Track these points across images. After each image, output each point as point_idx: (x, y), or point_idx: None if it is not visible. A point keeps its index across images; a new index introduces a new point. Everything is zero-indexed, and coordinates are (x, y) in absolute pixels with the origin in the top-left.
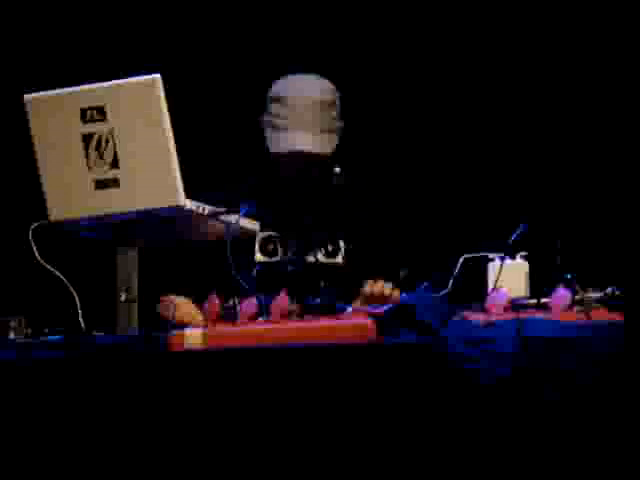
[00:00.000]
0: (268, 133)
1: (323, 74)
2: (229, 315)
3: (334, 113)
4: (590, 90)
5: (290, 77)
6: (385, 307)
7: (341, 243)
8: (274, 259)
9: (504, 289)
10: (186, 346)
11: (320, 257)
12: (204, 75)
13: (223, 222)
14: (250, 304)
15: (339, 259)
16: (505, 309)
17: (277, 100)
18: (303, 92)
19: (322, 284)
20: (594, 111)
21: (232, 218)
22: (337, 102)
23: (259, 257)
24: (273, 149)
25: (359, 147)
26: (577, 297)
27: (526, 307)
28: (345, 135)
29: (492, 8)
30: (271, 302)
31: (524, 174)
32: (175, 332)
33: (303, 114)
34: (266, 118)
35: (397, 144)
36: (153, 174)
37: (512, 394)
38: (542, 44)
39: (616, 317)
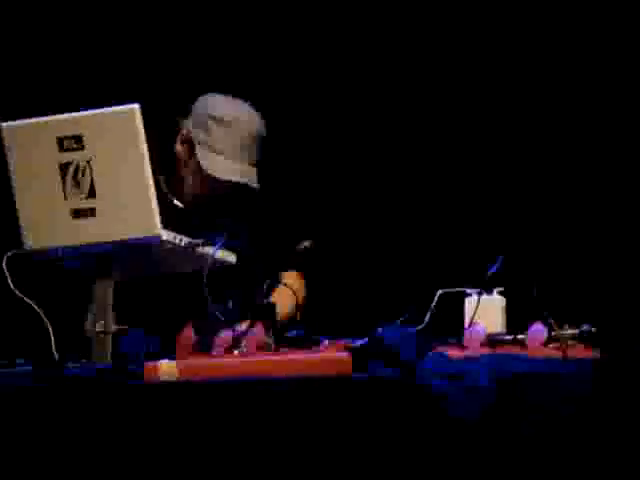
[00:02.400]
0: (201, 151)
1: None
2: (204, 347)
3: (261, 147)
4: (571, 126)
5: (230, 100)
6: (361, 341)
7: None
8: None
9: (481, 324)
10: (160, 378)
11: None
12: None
13: (199, 253)
14: (225, 336)
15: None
16: (482, 344)
17: (219, 121)
18: (246, 120)
19: (298, 317)
20: (570, 142)
21: (209, 250)
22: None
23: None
24: (207, 171)
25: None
26: (553, 333)
27: (502, 342)
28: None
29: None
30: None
31: (501, 208)
32: (148, 364)
33: (242, 142)
34: (201, 136)
35: (373, 173)
36: (130, 204)
37: (487, 429)
38: (526, 69)
39: (592, 354)
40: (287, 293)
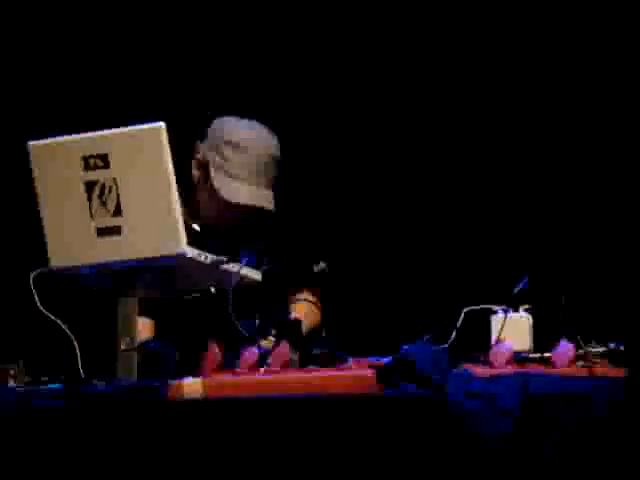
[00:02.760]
0: (217, 175)
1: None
2: (229, 364)
3: (277, 169)
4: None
5: (245, 123)
6: (386, 358)
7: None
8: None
9: (507, 342)
10: (185, 395)
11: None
12: None
13: (225, 271)
14: (250, 353)
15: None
16: (508, 362)
17: (235, 146)
18: (262, 144)
19: (323, 333)
20: (599, 158)
21: (234, 267)
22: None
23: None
24: (224, 195)
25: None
26: (580, 351)
27: (529, 360)
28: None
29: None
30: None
31: (528, 225)
32: (174, 382)
33: (257, 166)
34: (217, 160)
35: (397, 189)
36: (155, 222)
37: (511, 448)
38: (536, 82)
39: (618, 372)
40: (308, 309)
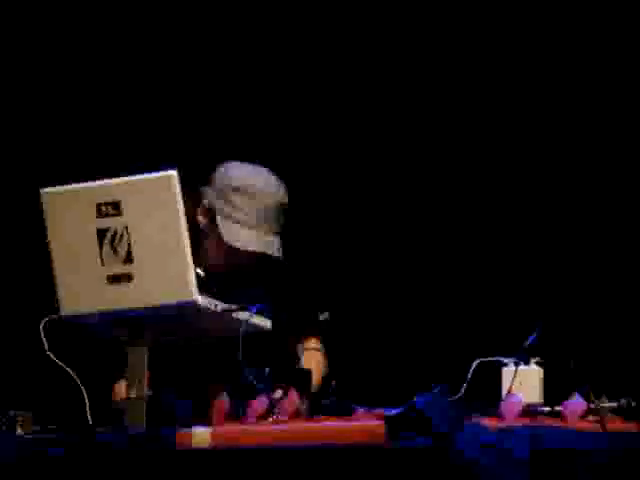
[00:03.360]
0: (224, 222)
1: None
2: (238, 413)
3: (284, 217)
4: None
5: (252, 169)
6: (397, 410)
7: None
8: None
9: (518, 394)
10: (194, 445)
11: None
12: None
13: (235, 319)
14: (260, 402)
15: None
16: (519, 415)
17: (243, 193)
18: (270, 190)
19: (332, 383)
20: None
21: (244, 315)
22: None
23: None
24: (230, 242)
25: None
26: (592, 406)
27: (540, 414)
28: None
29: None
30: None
31: (540, 278)
32: (183, 431)
33: (265, 212)
34: (224, 207)
35: (409, 239)
36: (167, 269)
37: None
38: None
39: (632, 428)
40: (318, 358)
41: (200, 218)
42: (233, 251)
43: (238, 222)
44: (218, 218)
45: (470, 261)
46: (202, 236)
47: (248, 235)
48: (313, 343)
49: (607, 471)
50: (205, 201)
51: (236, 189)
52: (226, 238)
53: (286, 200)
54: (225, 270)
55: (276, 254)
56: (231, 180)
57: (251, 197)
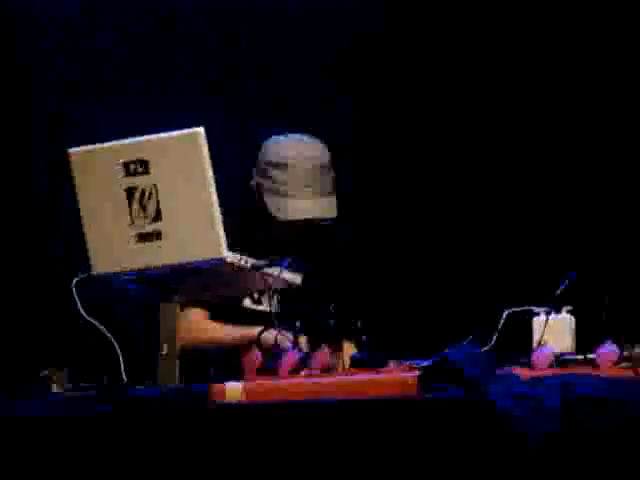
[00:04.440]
0: (268, 197)
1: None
2: (269, 368)
3: (332, 175)
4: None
5: (285, 141)
6: (429, 361)
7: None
8: (259, 307)
9: (549, 344)
10: (227, 399)
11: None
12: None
13: (265, 275)
14: (291, 356)
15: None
16: (550, 364)
17: (277, 166)
18: (304, 156)
19: (364, 339)
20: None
21: (274, 270)
22: (332, 161)
23: (247, 303)
24: (277, 215)
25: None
26: (625, 353)
27: (572, 362)
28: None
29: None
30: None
31: (571, 226)
32: (213, 386)
33: (305, 179)
34: (265, 183)
35: (441, 189)
36: (195, 227)
37: (552, 451)
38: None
39: None
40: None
41: (257, 198)
42: (285, 223)
43: (280, 194)
44: (264, 195)
45: (503, 210)
46: (262, 215)
47: (294, 205)
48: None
49: (634, 420)
50: (252, 182)
51: (272, 164)
52: (272, 212)
53: (326, 160)
54: (289, 244)
55: (330, 215)
56: (267, 157)
57: (288, 168)
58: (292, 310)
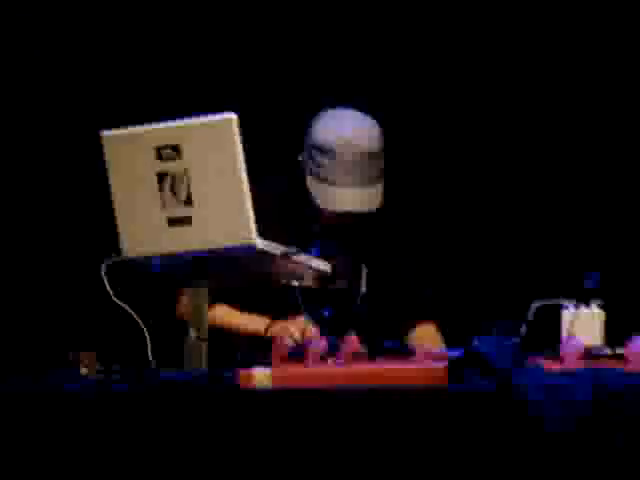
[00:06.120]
0: (312, 181)
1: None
2: (298, 354)
3: (381, 161)
4: None
5: (333, 124)
6: (457, 351)
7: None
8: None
9: (578, 337)
10: (256, 385)
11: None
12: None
13: (295, 262)
14: (319, 343)
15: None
16: (579, 358)
17: (323, 151)
18: (352, 143)
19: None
20: None
21: (304, 258)
22: (382, 146)
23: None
24: (320, 203)
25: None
26: None
27: (601, 356)
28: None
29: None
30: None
31: (601, 220)
32: (243, 371)
33: (352, 167)
34: (310, 166)
35: (470, 184)
36: (226, 213)
37: (582, 444)
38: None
39: None
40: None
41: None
42: (328, 212)
43: (327, 181)
44: (308, 179)
45: (533, 205)
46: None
47: (339, 195)
48: (424, 330)
49: None
50: (300, 158)
51: (319, 148)
52: (316, 200)
53: (376, 147)
54: (332, 227)
55: (373, 207)
56: (313, 139)
57: (334, 154)
58: (322, 296)
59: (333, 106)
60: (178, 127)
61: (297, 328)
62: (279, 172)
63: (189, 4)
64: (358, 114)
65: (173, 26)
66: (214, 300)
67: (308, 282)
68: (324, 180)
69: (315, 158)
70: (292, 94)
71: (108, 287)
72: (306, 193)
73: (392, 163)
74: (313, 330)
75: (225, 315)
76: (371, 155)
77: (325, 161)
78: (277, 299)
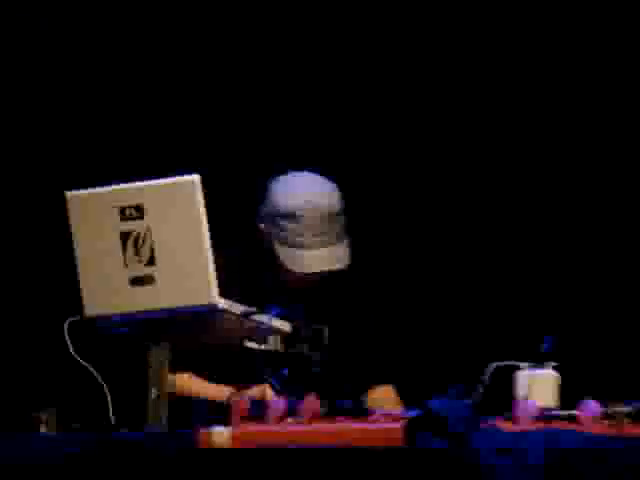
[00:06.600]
0: (278, 246)
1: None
2: (257, 413)
3: (343, 217)
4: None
5: (293, 189)
6: (414, 412)
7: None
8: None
9: (533, 399)
10: (212, 444)
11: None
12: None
13: (255, 322)
14: (279, 403)
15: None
16: (533, 419)
17: (286, 216)
18: (315, 206)
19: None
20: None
21: (264, 318)
22: (343, 206)
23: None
24: (289, 266)
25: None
26: (607, 410)
27: (556, 418)
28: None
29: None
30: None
31: (555, 283)
32: (201, 430)
33: (319, 229)
34: (274, 231)
35: (428, 246)
36: (188, 272)
37: None
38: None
39: None
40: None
41: (264, 239)
42: (296, 274)
43: (289, 244)
44: (274, 242)
45: (488, 267)
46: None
47: (307, 257)
48: (381, 394)
49: (624, 474)
50: (261, 225)
51: (282, 214)
52: (285, 264)
53: (337, 207)
54: (301, 286)
55: (340, 264)
56: (274, 205)
57: (299, 220)
58: (282, 357)
59: (285, 172)
60: (141, 188)
61: (257, 391)
62: (238, 235)
63: (149, 70)
64: (315, 176)
65: (134, 92)
66: (175, 361)
67: (269, 345)
68: (292, 245)
69: (279, 223)
70: (244, 159)
71: (70, 345)
72: (265, 257)
73: (350, 224)
74: (272, 394)
75: (187, 384)
76: (335, 214)
77: (290, 225)
78: (238, 361)
